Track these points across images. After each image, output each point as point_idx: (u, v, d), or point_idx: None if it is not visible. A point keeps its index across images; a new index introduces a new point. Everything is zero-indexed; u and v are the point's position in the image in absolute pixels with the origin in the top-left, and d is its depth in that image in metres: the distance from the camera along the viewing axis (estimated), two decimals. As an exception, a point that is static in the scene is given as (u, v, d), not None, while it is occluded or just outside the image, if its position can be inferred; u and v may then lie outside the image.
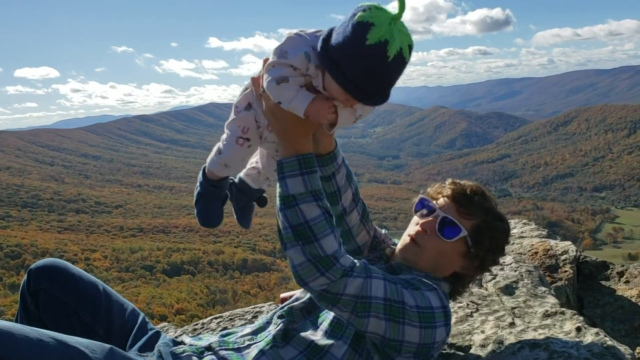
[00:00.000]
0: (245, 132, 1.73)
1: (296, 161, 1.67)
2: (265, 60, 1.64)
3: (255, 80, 1.73)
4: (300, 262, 1.63)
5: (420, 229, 1.97)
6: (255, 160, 1.97)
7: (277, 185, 1.70)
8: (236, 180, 2.01)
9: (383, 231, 2.26)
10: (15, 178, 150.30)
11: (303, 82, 1.58)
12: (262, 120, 1.73)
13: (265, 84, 1.60)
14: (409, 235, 2.00)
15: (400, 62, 1.44)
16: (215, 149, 1.79)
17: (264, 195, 2.04)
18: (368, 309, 1.66)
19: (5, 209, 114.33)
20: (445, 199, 1.99)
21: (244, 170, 1.98)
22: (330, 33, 1.50)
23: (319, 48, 1.50)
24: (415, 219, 2.03)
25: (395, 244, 2.17)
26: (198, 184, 1.92)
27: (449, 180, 2.04)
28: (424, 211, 2.00)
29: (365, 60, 1.42)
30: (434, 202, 2.00)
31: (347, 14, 1.45)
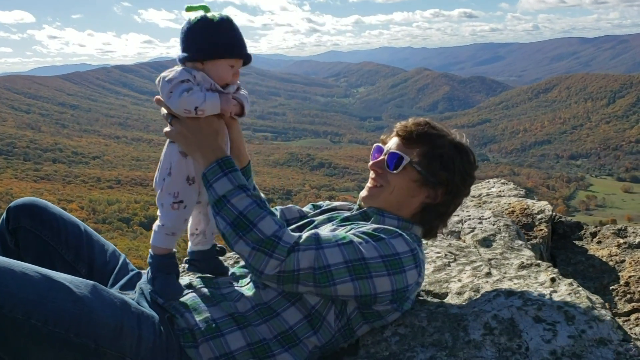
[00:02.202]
0: (176, 196, 1.85)
1: (217, 165, 1.78)
2: (158, 100, 1.87)
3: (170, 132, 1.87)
4: (249, 254, 1.69)
5: (372, 170, 2.05)
6: (194, 229, 2.06)
7: (208, 197, 1.80)
8: (190, 257, 2.08)
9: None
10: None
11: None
12: (190, 170, 1.87)
13: (175, 104, 1.77)
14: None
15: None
16: (155, 228, 1.90)
17: (217, 246, 2.11)
18: (331, 277, 1.69)
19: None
20: (393, 138, 2.05)
21: (190, 246, 2.08)
22: (186, 48, 1.81)
23: (192, 53, 1.80)
24: None
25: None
26: (149, 268, 1.93)
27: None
28: (376, 154, 2.07)
29: (225, 28, 1.80)
30: (384, 145, 2.08)
31: (183, 28, 1.82)
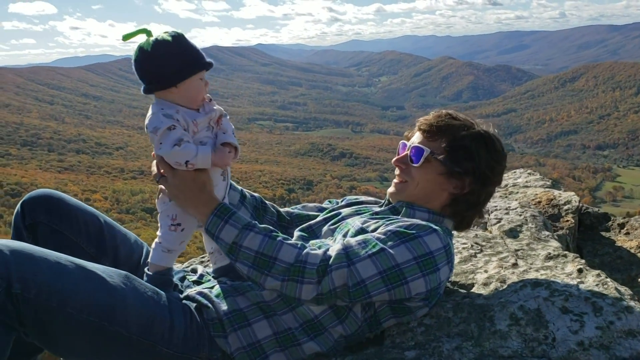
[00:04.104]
0: (174, 219, 1.88)
1: (214, 217, 1.77)
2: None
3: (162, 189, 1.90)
4: (280, 286, 1.68)
5: (396, 165, 2.03)
6: (209, 248, 2.06)
7: (220, 249, 1.81)
8: (216, 275, 2.07)
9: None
10: (14, 116, 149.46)
11: (191, 138, 1.78)
12: None
13: (167, 156, 1.76)
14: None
15: (165, 41, 1.75)
16: (153, 246, 1.93)
17: None
18: (366, 291, 1.67)
19: (5, 147, 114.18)
20: (416, 133, 2.03)
21: (212, 266, 2.09)
22: (153, 76, 1.76)
23: (164, 79, 1.75)
24: None
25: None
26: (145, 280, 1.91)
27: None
28: (401, 151, 2.05)
29: (185, 43, 1.77)
30: (408, 141, 2.05)
31: (139, 58, 1.75)
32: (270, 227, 1.79)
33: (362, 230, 1.83)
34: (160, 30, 1.78)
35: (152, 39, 1.73)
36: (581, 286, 1.87)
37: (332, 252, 1.70)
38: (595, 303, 1.75)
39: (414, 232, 1.72)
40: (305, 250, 1.71)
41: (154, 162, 1.88)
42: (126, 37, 1.76)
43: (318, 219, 2.13)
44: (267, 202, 2.28)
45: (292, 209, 2.33)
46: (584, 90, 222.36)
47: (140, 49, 1.74)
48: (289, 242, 1.73)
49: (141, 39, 1.76)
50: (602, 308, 1.73)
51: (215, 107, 1.89)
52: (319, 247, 1.79)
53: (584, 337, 1.63)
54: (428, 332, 1.80)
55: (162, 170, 1.85)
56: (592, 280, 1.91)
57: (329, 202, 2.32)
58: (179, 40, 1.75)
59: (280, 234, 1.77)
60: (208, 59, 1.82)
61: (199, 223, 1.92)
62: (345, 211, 2.10)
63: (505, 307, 1.81)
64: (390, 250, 1.68)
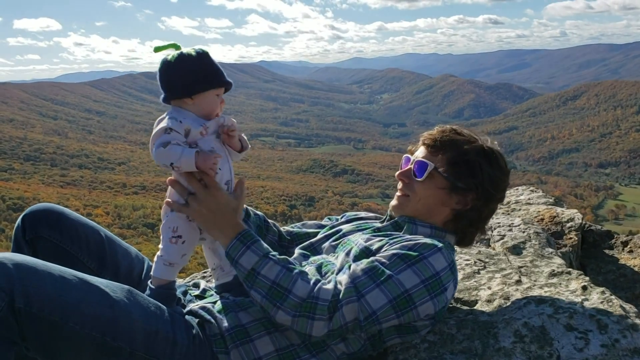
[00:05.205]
0: (175, 231, 1.86)
1: (237, 241, 1.77)
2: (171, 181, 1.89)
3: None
4: (291, 322, 1.67)
5: (399, 179, 2.03)
6: (211, 264, 2.05)
7: (238, 275, 1.79)
8: (218, 291, 2.03)
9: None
10: (18, 130, 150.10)
11: (186, 142, 1.79)
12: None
13: (154, 158, 1.77)
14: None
15: (189, 57, 1.81)
16: (155, 259, 1.91)
17: None
18: (377, 321, 1.68)
19: (8, 162, 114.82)
20: (420, 147, 2.03)
21: (214, 281, 2.07)
22: (171, 86, 1.81)
23: (180, 89, 1.79)
24: None
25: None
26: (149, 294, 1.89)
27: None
28: (404, 165, 2.05)
29: (206, 60, 1.82)
30: (412, 155, 2.05)
31: (162, 68, 1.81)
32: (288, 259, 1.79)
33: (366, 249, 1.83)
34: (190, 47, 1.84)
35: (177, 52, 1.81)
36: (586, 303, 1.84)
37: (341, 286, 1.69)
38: (600, 320, 1.73)
39: (418, 253, 1.72)
40: (317, 286, 1.70)
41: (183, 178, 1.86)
42: (157, 50, 1.84)
43: (319, 236, 2.13)
44: (269, 220, 2.27)
45: (291, 227, 2.33)
46: (585, 109, 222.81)
47: (164, 61, 1.80)
48: (304, 277, 1.72)
49: (170, 52, 1.83)
50: (607, 326, 1.70)
51: (227, 118, 1.92)
52: (326, 275, 1.80)
53: (589, 355, 1.61)
54: (431, 349, 1.78)
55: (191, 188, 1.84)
56: (596, 298, 1.89)
57: (329, 219, 2.32)
58: (202, 56, 1.81)
59: (297, 267, 1.77)
60: (228, 79, 1.86)
61: (201, 236, 1.93)
62: (346, 228, 2.09)
63: (509, 324, 1.79)
64: (398, 276, 1.68)
